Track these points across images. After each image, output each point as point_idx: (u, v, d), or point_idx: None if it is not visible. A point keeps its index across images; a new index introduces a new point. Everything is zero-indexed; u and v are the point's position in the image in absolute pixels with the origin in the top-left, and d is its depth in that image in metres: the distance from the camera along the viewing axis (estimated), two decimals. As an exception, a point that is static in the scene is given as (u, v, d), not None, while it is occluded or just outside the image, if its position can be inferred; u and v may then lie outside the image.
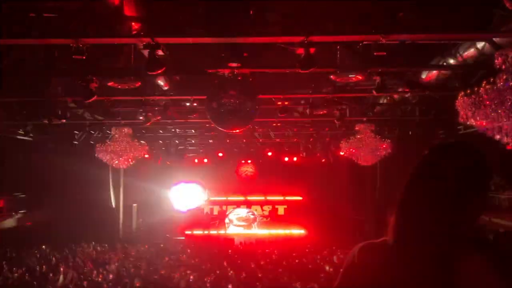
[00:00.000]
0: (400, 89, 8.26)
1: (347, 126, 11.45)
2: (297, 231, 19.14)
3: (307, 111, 9.94)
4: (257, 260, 12.75)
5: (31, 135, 10.72)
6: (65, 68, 6.44)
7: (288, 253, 13.85)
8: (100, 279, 10.44)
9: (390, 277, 1.31)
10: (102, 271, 11.02)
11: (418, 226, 1.35)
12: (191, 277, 10.58)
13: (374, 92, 6.83)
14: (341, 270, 1.49)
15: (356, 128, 10.52)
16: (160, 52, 4.91)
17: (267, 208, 20.22)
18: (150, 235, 17.20)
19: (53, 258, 12.43)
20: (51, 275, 10.38)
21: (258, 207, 20.18)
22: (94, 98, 6.47)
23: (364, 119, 10.27)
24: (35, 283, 9.55)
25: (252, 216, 20.09)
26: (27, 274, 10.16)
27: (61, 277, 9.98)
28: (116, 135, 10.44)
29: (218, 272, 11.17)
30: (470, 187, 1.35)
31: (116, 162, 10.65)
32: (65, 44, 4.86)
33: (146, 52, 4.98)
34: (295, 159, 17.87)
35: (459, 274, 1.24)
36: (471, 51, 6.00)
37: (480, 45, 5.80)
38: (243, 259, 12.82)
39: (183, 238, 17.95)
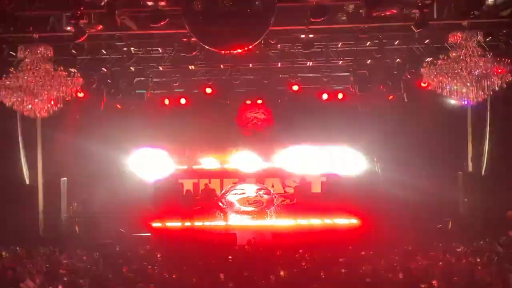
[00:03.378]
0: None
1: (434, 35, 11.55)
2: (345, 221, 19.09)
3: (363, 11, 10.12)
4: (275, 269, 12.49)
5: None
6: None
7: (329, 258, 13.78)
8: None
9: None
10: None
11: None
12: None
13: None
14: None
15: (450, 40, 10.80)
16: None
17: (292, 183, 20.26)
18: (92, 231, 17.34)
19: None
20: None
21: (276, 182, 20.30)
22: None
23: (465, 22, 10.44)
24: None
25: (266, 197, 20.14)
26: None
27: None
28: (27, 60, 10.72)
29: (210, 291, 10.99)
30: None
31: (29, 106, 11.02)
32: None
33: None
34: (340, 96, 17.67)
35: None
36: None
37: None
38: (252, 269, 12.61)
39: (149, 234, 18.11)
